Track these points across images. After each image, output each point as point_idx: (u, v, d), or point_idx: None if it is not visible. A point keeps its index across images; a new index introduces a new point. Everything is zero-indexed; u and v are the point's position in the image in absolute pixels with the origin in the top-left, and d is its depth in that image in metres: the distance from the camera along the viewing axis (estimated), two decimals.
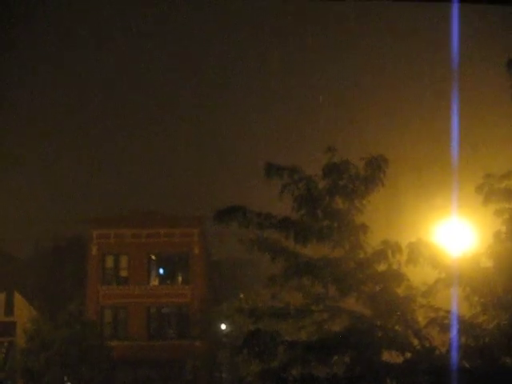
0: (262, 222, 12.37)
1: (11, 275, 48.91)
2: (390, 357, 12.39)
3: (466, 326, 11.90)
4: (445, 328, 11.92)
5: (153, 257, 45.41)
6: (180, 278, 45.49)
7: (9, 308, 47.00)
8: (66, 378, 38.47)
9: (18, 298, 47.10)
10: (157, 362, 40.88)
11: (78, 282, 45.94)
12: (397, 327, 12.33)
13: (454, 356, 11.48)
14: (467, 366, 11.55)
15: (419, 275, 12.50)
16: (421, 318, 12.28)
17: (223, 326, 39.67)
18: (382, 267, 12.34)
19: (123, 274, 45.51)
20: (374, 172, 12.53)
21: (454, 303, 12.17)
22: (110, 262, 45.59)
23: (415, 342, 12.22)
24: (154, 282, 45.52)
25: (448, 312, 12.04)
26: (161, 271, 45.81)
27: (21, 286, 48.09)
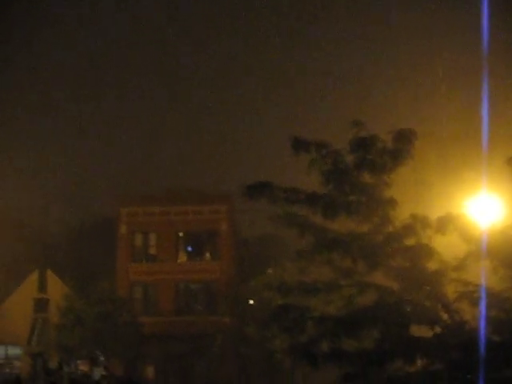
0: (290, 197, 12.33)
1: (44, 253, 49.78)
2: (420, 331, 12.35)
3: (496, 300, 11.79)
4: (475, 302, 11.82)
5: (181, 234, 45.74)
6: (208, 255, 45.82)
7: (42, 285, 47.91)
8: (99, 353, 39.24)
9: (50, 276, 47.98)
10: (186, 337, 41.40)
11: (108, 259, 46.58)
12: (426, 302, 12.26)
13: (485, 330, 11.38)
14: (497, 339, 11.47)
15: (449, 249, 12.39)
16: (450, 293, 12.18)
17: (251, 302, 39.92)
18: (411, 241, 12.25)
19: (152, 251, 45.97)
20: (403, 145, 12.38)
21: (484, 277, 12.05)
22: (139, 239, 46.07)
23: (445, 316, 12.14)
24: (183, 258, 45.93)
25: (478, 286, 11.93)
26: (189, 248, 46.18)
27: (53, 264, 48.94)
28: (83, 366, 38.79)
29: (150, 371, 42.38)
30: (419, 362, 12.20)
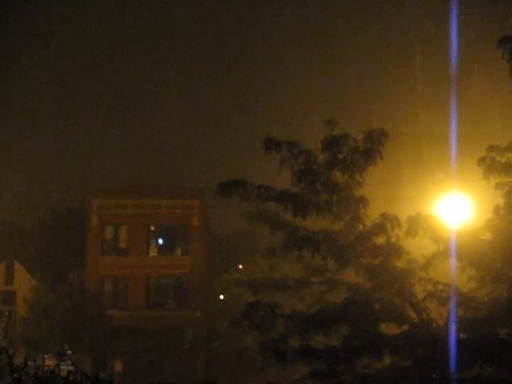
0: (262, 195, 12.36)
1: (11, 245, 49.08)
2: (388, 329, 12.48)
3: (464, 299, 11.97)
4: (443, 301, 11.99)
5: (152, 228, 45.50)
6: (179, 250, 45.67)
7: (9, 277, 47.26)
8: (66, 347, 38.88)
9: (18, 268, 47.33)
10: (156, 332, 41.26)
11: (78, 252, 46.14)
12: (395, 300, 12.39)
13: (451, 328, 11.55)
14: (464, 337, 11.64)
15: (418, 249, 12.53)
16: (419, 291, 12.33)
17: (222, 297, 39.94)
18: (380, 240, 12.36)
19: (123, 244, 45.65)
20: (374, 145, 12.48)
21: (453, 276, 12.22)
22: (109, 232, 45.69)
23: (413, 314, 12.29)
24: (153, 252, 45.70)
25: (446, 285, 12.10)
26: (160, 242, 45.97)
27: (21, 256, 48.29)
28: (50, 361, 38.39)
29: (118, 366, 42.13)
30: (387, 359, 12.34)
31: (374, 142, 12.43)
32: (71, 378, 7.43)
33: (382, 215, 12.29)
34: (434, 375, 11.44)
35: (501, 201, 12.29)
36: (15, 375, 7.21)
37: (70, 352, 38.70)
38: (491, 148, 12.32)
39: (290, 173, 12.40)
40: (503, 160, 12.24)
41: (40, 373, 7.27)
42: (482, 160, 12.35)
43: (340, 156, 12.46)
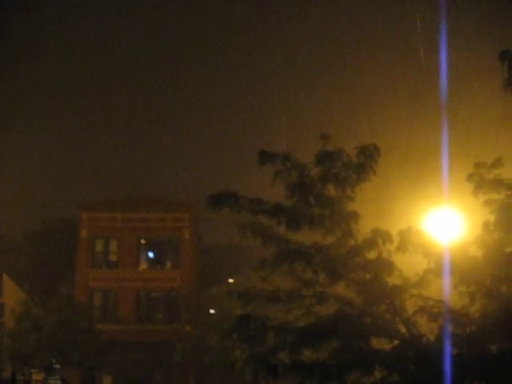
0: (254, 208, 12.39)
1: (0, 257, 48.77)
2: (379, 344, 12.50)
3: (454, 315, 12.02)
4: (433, 316, 12.04)
5: (142, 241, 45.42)
6: (169, 263, 45.57)
7: None
8: (54, 361, 38.52)
9: (6, 280, 47.02)
10: (146, 346, 41.04)
11: (67, 264, 45.92)
12: (386, 315, 12.42)
13: (442, 344, 11.59)
14: (454, 353, 11.68)
15: (409, 264, 12.59)
16: (410, 307, 12.37)
17: (212, 311, 39.81)
18: (372, 255, 12.41)
19: (113, 257, 45.52)
20: (366, 160, 12.57)
21: (444, 293, 12.27)
22: (99, 245, 45.57)
23: (403, 329, 12.33)
24: (144, 266, 45.57)
25: (437, 301, 12.15)
26: (150, 255, 45.85)
27: (9, 269, 47.98)
28: (37, 376, 37.95)
29: (107, 380, 41.80)
30: (377, 374, 12.35)
31: (367, 157, 12.54)
32: None
33: (374, 230, 12.35)
34: None
35: (490, 217, 12.37)
36: None
37: (58, 366, 38.37)
38: (478, 165, 12.42)
39: (284, 186, 12.46)
40: (490, 177, 12.34)
41: None
42: (470, 176, 12.45)
43: (333, 171, 12.55)
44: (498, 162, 12.36)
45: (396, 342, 12.27)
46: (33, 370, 38.17)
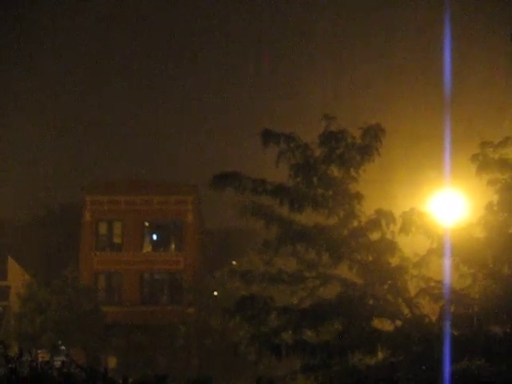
0: (257, 188, 12.38)
1: (5, 240, 48.98)
2: (381, 325, 12.55)
3: (456, 296, 12.06)
4: (435, 297, 12.08)
5: (146, 224, 45.50)
6: (173, 246, 45.67)
7: (2, 273, 47.18)
8: (60, 342, 38.82)
9: (11, 263, 47.25)
10: (149, 328, 41.26)
11: (72, 247, 46.08)
12: (388, 296, 12.46)
13: (444, 324, 11.64)
14: (456, 333, 11.73)
15: (412, 245, 12.60)
16: (412, 288, 12.41)
17: (215, 293, 39.96)
18: (375, 236, 12.42)
19: (117, 240, 45.62)
20: (371, 141, 12.53)
21: (446, 273, 12.29)
22: (103, 228, 45.67)
23: (406, 310, 12.37)
24: (147, 248, 45.70)
25: (439, 282, 12.18)
26: (154, 238, 45.96)
27: (15, 252, 48.20)
28: (43, 355, 38.26)
29: (112, 362, 42.13)
30: (380, 354, 12.42)
31: (372, 137, 12.49)
32: (65, 368, 7.43)
33: (377, 211, 12.35)
34: (424, 368, 11.53)
35: (494, 198, 12.35)
36: (10, 366, 7.23)
37: (63, 347, 38.68)
38: (484, 144, 12.38)
39: (288, 166, 12.43)
40: (496, 156, 12.30)
41: (35, 364, 7.29)
42: (474, 157, 12.41)
43: (337, 151, 12.51)
44: (505, 141, 12.32)
45: (398, 322, 12.31)
46: (39, 351, 38.51)
